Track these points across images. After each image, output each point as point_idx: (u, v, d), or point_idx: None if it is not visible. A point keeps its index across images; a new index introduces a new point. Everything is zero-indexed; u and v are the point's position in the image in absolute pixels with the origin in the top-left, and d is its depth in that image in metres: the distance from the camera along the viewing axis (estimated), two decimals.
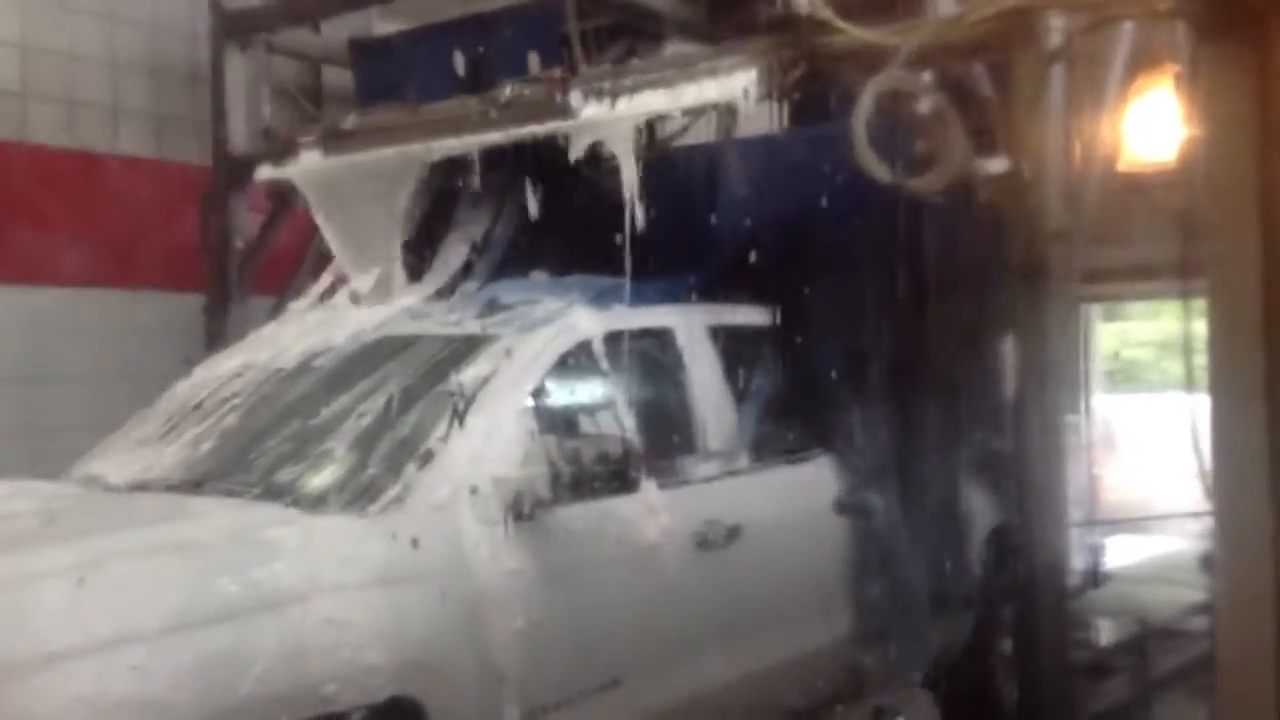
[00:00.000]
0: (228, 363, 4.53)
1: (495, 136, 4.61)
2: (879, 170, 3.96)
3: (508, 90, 4.61)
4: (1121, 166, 3.92)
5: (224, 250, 5.67)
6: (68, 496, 3.82)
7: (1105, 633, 5.46)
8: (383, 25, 6.37)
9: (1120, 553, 6.37)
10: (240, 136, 5.74)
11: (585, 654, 3.62)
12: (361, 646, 3.08)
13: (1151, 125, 3.76)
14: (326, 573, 3.12)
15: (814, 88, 4.55)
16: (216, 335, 5.56)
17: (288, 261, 5.79)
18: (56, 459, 4.21)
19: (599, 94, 4.44)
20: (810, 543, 4.37)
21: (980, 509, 4.73)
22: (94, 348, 6.01)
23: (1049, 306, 4.09)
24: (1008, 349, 4.52)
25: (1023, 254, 4.05)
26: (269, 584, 3.03)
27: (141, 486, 3.82)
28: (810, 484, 4.44)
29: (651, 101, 4.39)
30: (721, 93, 4.33)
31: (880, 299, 4.51)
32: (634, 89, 4.41)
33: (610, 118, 4.39)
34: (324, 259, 5.31)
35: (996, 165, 4.17)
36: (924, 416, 4.54)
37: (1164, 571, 6.69)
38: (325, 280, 5.10)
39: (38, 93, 6.02)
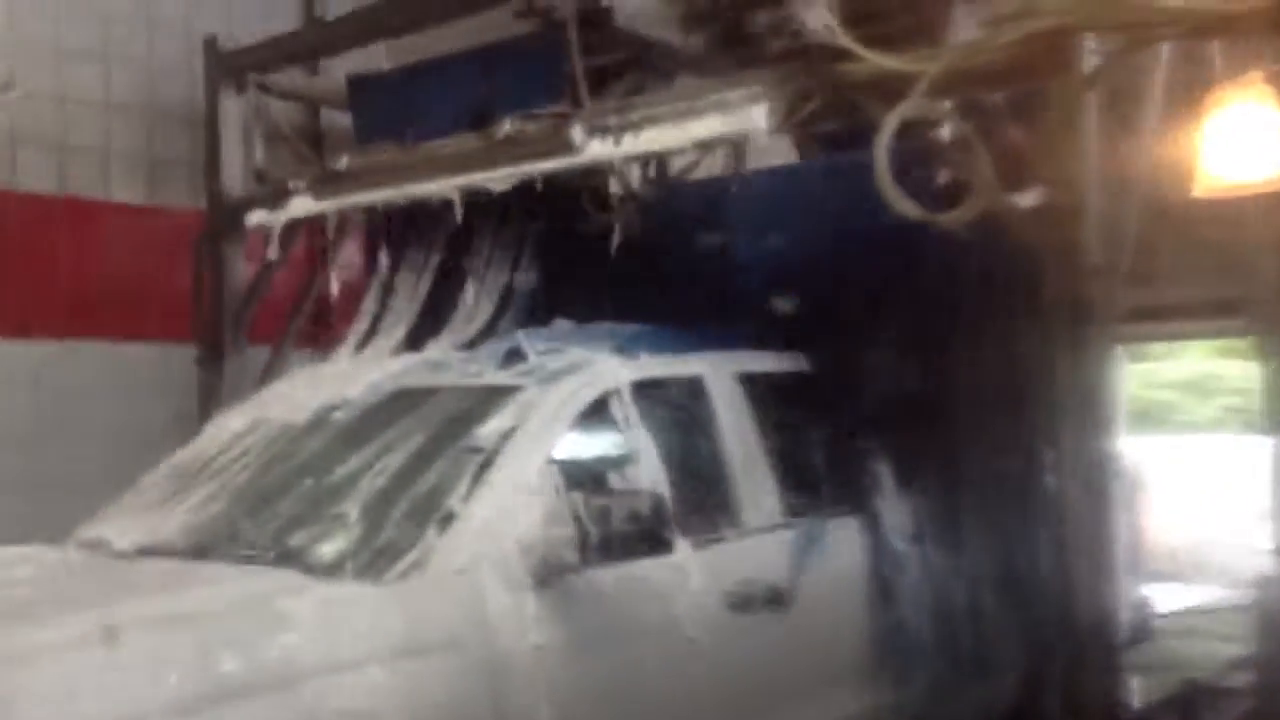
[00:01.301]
0: (238, 419, 4.34)
1: (496, 175, 4.41)
2: (904, 205, 3.78)
3: (507, 126, 4.41)
4: (1198, 191, 3.71)
5: (217, 299, 5.45)
6: (70, 563, 3.64)
7: (1148, 689, 5.24)
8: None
9: (1161, 603, 6.17)
10: (235, 181, 5.54)
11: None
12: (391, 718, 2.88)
13: (1235, 143, 3.54)
14: (341, 646, 2.93)
15: (832, 119, 4.39)
16: (211, 387, 5.34)
17: (284, 311, 5.57)
18: (54, 518, 3.97)
19: (604, 130, 4.25)
20: (852, 602, 4.15)
21: (1026, 559, 4.51)
22: (88, 402, 5.79)
23: (1089, 347, 3.90)
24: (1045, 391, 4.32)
25: (1061, 291, 3.88)
26: (279, 659, 2.83)
27: (148, 551, 3.62)
28: (850, 539, 4.21)
29: (660, 137, 4.21)
30: (733, 126, 4.16)
31: (913, 340, 4.32)
32: (642, 124, 4.22)
33: (616, 154, 4.20)
34: (323, 306, 5.11)
35: (1029, 198, 3.99)
36: (964, 465, 4.33)
37: (1204, 623, 6.48)
38: (359, 329, 4.91)
39: (28, 137, 5.82)
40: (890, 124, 3.78)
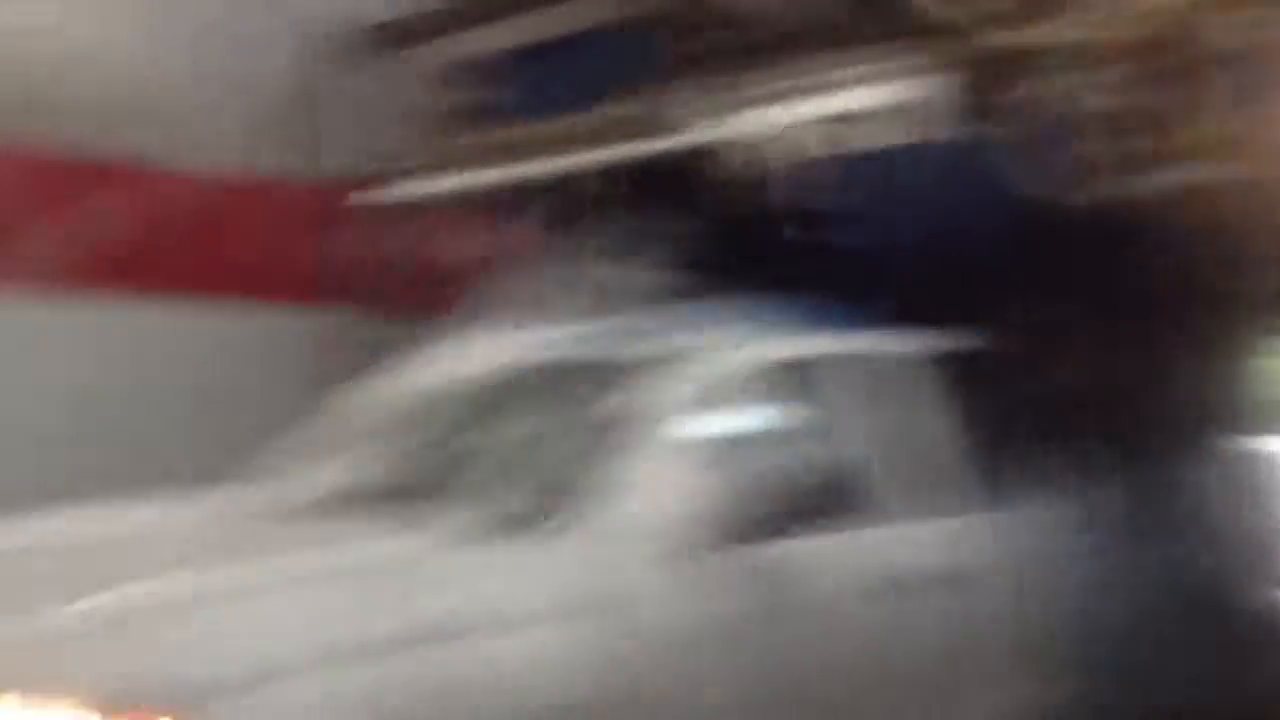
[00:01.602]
0: (395, 383, 4.45)
1: (612, 154, 4.45)
2: (1047, 183, 3.73)
3: (630, 103, 4.45)
4: None
5: (358, 269, 5.61)
6: (231, 516, 3.76)
7: None
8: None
9: None
10: (369, 155, 5.68)
11: (763, 707, 3.39)
12: (526, 688, 2.94)
13: None
14: (490, 606, 3.00)
15: (972, 93, 4.33)
16: (369, 355, 5.49)
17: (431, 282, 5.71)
18: (188, 477, 3.98)
19: (748, 101, 4.25)
20: (1021, 595, 4.01)
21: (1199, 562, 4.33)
22: (220, 366, 6.01)
23: (1256, 333, 3.79)
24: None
25: (1220, 276, 3.78)
26: (427, 615, 2.90)
27: (308, 507, 3.73)
28: (1017, 530, 4.09)
29: (805, 109, 4.21)
30: (875, 101, 4.14)
31: (1077, 324, 4.24)
32: (776, 98, 4.21)
33: (757, 129, 4.20)
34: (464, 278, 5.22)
35: (1172, 176, 3.91)
36: (1138, 460, 4.20)
37: None
38: (503, 301, 5.03)
39: (157, 111, 6.04)
40: (1040, 98, 3.73)
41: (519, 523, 3.31)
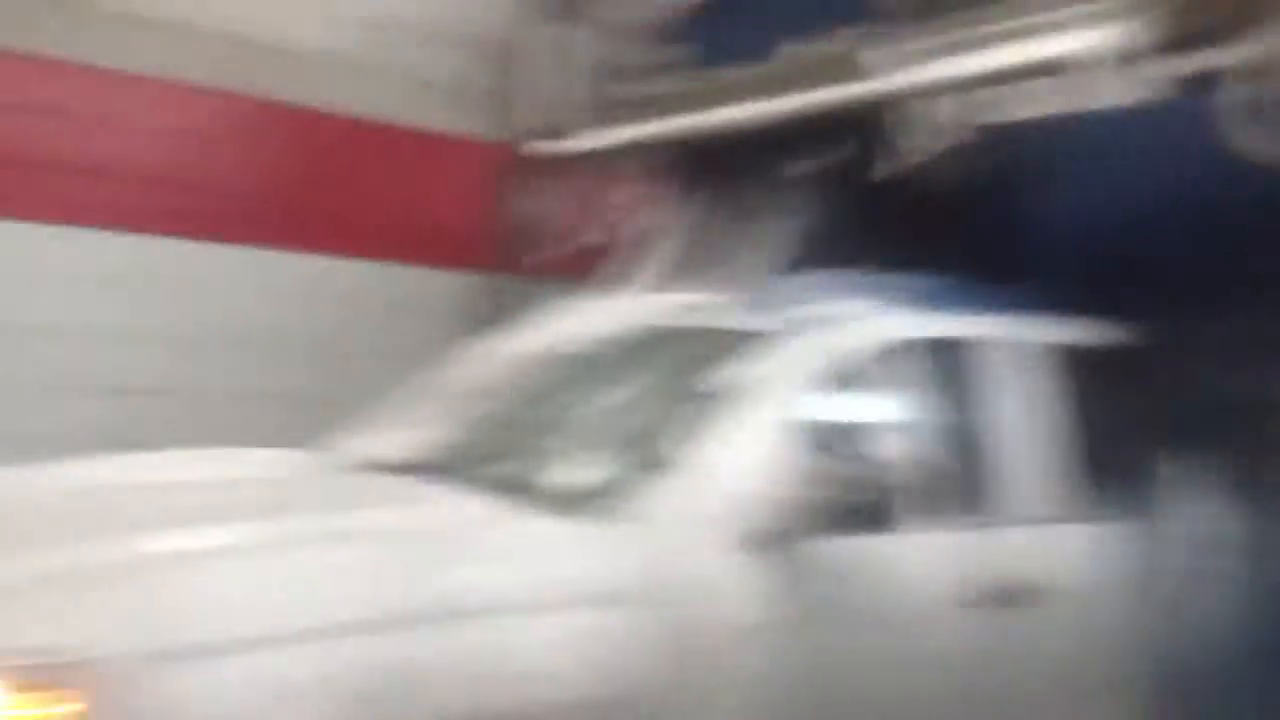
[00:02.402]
0: (503, 346, 4.27)
1: (781, 105, 4.05)
2: (1262, 147, 3.13)
3: (794, 50, 4.05)
4: None
5: (514, 229, 5.41)
6: (312, 469, 3.65)
7: None
8: None
9: None
10: (539, 112, 5.46)
11: (825, 715, 3.05)
12: (558, 676, 2.65)
13: None
14: (530, 584, 2.73)
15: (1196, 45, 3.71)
16: (500, 318, 5.31)
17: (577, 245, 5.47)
18: (327, 429, 4.01)
19: (912, 55, 3.79)
20: (1125, 617, 3.56)
21: None
22: (381, 321, 5.96)
23: None
24: None
25: None
26: (464, 589, 2.65)
27: (392, 466, 3.57)
28: (1134, 546, 3.61)
29: (979, 63, 3.70)
30: (1074, 49, 3.59)
31: (1257, 323, 3.63)
32: (958, 47, 3.72)
33: (924, 82, 3.73)
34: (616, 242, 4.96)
35: None
36: None
37: None
38: (634, 267, 4.75)
39: (339, 61, 6.01)
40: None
41: (587, 497, 3.05)
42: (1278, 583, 3.64)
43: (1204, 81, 3.58)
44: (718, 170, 4.55)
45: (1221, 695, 3.56)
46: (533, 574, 2.75)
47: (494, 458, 3.42)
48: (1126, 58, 3.61)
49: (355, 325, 6.01)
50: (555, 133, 5.23)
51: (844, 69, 4.00)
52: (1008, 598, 3.31)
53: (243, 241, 5.88)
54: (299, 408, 5.47)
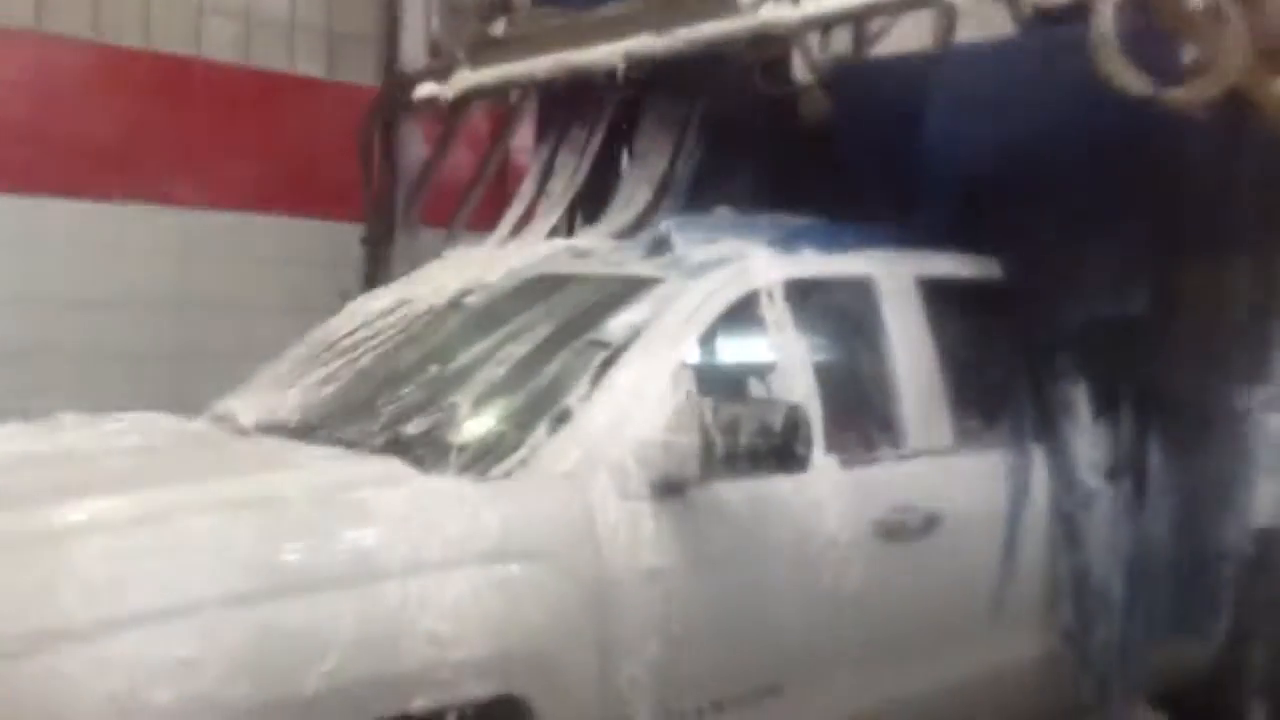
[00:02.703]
0: (379, 300, 4.17)
1: (657, 42, 4.00)
2: (1131, 80, 3.19)
3: None
4: None
5: (389, 177, 5.27)
6: (179, 435, 3.52)
7: None
8: None
9: None
10: (412, 54, 5.32)
11: (739, 654, 3.08)
12: (461, 634, 2.60)
13: None
14: (425, 545, 2.65)
15: None
16: (378, 269, 5.20)
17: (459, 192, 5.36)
18: (214, 389, 3.93)
19: None
20: (1027, 540, 3.67)
21: (1243, 506, 3.92)
22: (255, 275, 5.80)
23: None
24: None
25: None
26: (354, 552, 2.58)
27: (266, 428, 3.48)
28: (1030, 471, 3.72)
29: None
30: None
31: (1132, 249, 3.73)
32: None
33: (794, 18, 3.71)
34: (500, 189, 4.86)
35: None
36: (1174, 397, 3.76)
37: None
38: (515, 212, 4.65)
39: (213, 7, 5.79)
40: None
41: (482, 452, 2.99)
42: (1157, 499, 3.79)
43: (1076, 12, 3.64)
44: (601, 110, 4.46)
45: (1113, 610, 3.72)
46: (429, 533, 2.67)
47: (382, 416, 3.31)
48: None
49: (237, 280, 5.84)
50: (433, 74, 5.10)
51: (720, 4, 3.96)
52: (911, 528, 3.37)
53: (120, 198, 5.65)
54: (181, 368, 5.34)
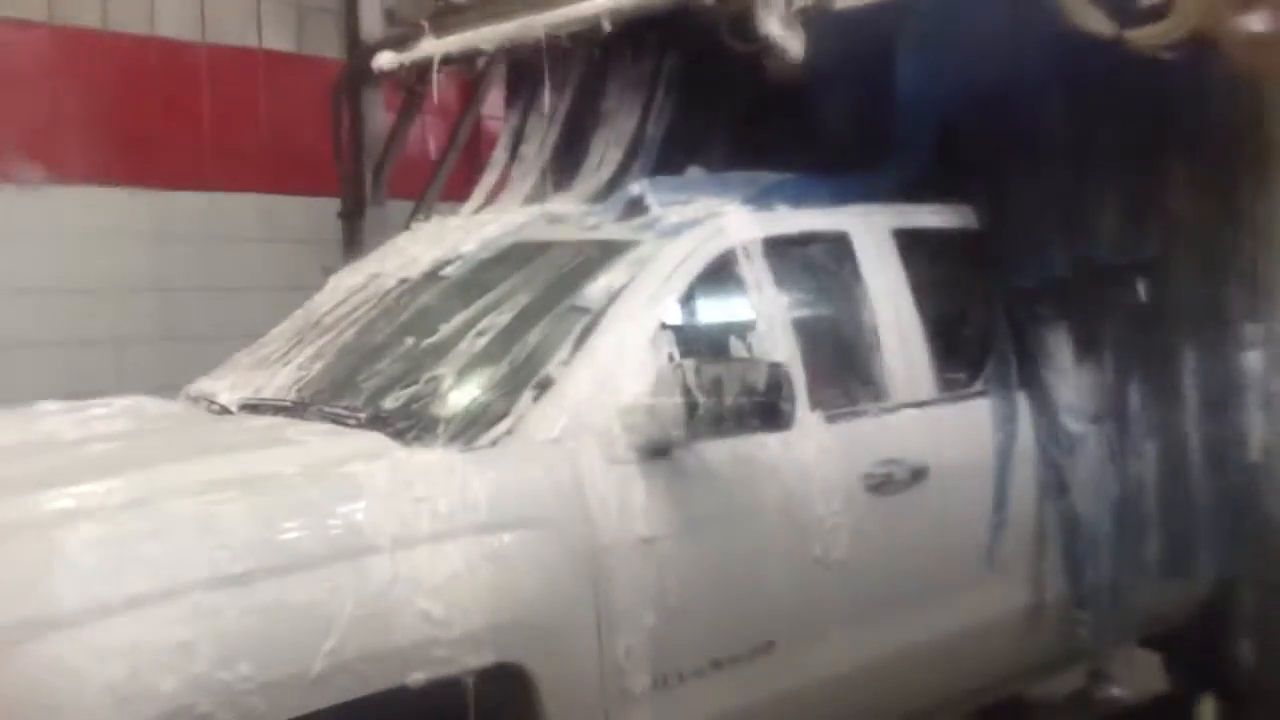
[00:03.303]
0: (358, 273, 4.14)
1: (616, 2, 3.97)
2: (1095, 20, 3.19)
3: None
4: None
5: (357, 150, 5.23)
6: (164, 417, 3.51)
7: None
8: None
9: None
10: (375, 24, 5.25)
11: (733, 614, 3.09)
12: (456, 605, 2.61)
13: None
14: (415, 518, 2.65)
15: None
16: (354, 242, 5.16)
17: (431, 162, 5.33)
18: (195, 370, 3.93)
19: None
20: (1015, 488, 3.68)
21: (1229, 449, 3.95)
22: (236, 255, 5.75)
23: None
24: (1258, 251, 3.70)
25: None
26: (348, 528, 2.57)
27: (250, 408, 3.47)
28: (1015, 418, 3.73)
29: None
30: None
31: (1101, 191, 3.74)
32: None
33: None
34: (467, 159, 4.82)
35: (1256, 22, 3.35)
36: (1156, 338, 3.78)
37: None
38: (488, 181, 4.62)
39: None
40: None
41: (467, 423, 2.98)
42: (1142, 442, 3.81)
43: None
44: (569, 73, 4.42)
45: (1102, 554, 3.76)
46: (419, 506, 2.66)
47: (366, 390, 3.30)
48: None
49: (218, 261, 5.79)
50: (392, 44, 5.05)
51: None
52: (898, 481, 3.39)
53: (90, 181, 5.58)
54: (164, 351, 5.30)
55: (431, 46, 4.57)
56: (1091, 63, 3.53)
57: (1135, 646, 4.20)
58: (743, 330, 3.33)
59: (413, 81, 4.89)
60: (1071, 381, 3.79)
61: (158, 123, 5.67)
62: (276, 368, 3.67)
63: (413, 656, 2.55)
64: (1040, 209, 3.85)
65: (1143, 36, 3.31)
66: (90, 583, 2.29)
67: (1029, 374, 3.78)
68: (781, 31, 4.07)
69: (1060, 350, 3.80)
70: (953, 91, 3.89)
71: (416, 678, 2.55)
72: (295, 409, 3.36)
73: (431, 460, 2.83)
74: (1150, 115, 3.69)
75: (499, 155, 4.56)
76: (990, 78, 3.77)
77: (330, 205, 5.48)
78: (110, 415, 3.40)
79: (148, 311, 5.58)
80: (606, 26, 4.09)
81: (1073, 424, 3.76)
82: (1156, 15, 3.35)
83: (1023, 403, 3.76)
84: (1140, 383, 3.85)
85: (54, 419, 3.33)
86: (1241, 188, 3.56)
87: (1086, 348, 3.82)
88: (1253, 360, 3.86)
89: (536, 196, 4.35)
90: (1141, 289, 3.84)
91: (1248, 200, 3.49)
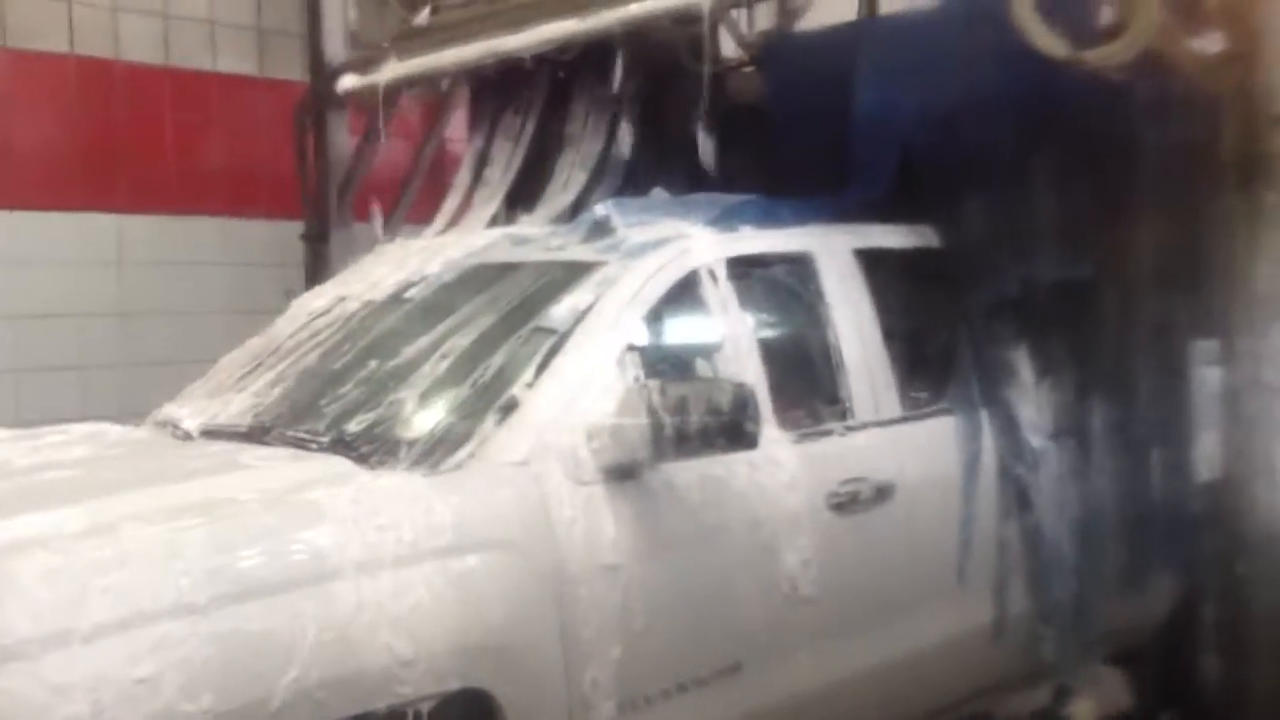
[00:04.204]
0: (322, 296, 4.13)
1: (579, 25, 3.99)
2: (1049, 42, 3.23)
3: None
4: None
5: (321, 172, 5.22)
6: (124, 444, 3.47)
7: None
8: None
9: None
10: (338, 47, 5.25)
11: (700, 636, 3.09)
12: (422, 630, 2.60)
13: None
14: (379, 542, 2.63)
15: None
16: (318, 265, 5.15)
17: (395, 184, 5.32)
18: (157, 394, 3.91)
19: None
20: (979, 505, 3.71)
21: (1188, 464, 3.99)
22: (197, 279, 5.72)
23: (1270, 210, 3.32)
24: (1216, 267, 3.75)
25: (1238, 145, 3.29)
26: (308, 554, 2.55)
27: (211, 433, 3.44)
28: (979, 435, 3.76)
29: None
30: None
31: (1059, 210, 3.78)
32: None
33: None
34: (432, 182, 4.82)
35: (1208, 43, 3.40)
36: (1114, 355, 3.82)
37: None
38: (452, 203, 4.62)
39: (131, 6, 5.68)
40: None
41: (433, 446, 2.97)
42: (1102, 459, 3.85)
43: None
44: (532, 95, 4.43)
45: (1065, 570, 3.78)
46: (383, 531, 2.64)
47: (329, 414, 3.28)
48: None
49: (179, 285, 5.75)
50: (355, 67, 5.06)
51: None
52: (864, 500, 3.40)
53: (51, 206, 5.53)
54: (125, 377, 5.24)
55: (395, 69, 4.57)
56: (1047, 84, 3.57)
57: (1099, 663, 4.22)
58: (708, 351, 3.35)
59: (377, 104, 4.88)
60: (1032, 398, 3.82)
61: (118, 146, 5.64)
62: (239, 392, 3.65)
63: (377, 683, 2.53)
64: (998, 228, 3.89)
65: (1097, 57, 3.35)
66: (47, 614, 2.26)
67: (990, 391, 3.80)
68: (739, 54, 4.12)
69: (1020, 367, 3.83)
70: (912, 112, 3.94)
71: (380, 705, 2.53)
72: (257, 433, 3.33)
73: (395, 484, 2.82)
74: (1105, 135, 3.74)
75: (463, 177, 4.56)
76: (948, 99, 3.82)
77: (292, 228, 5.46)
78: (70, 442, 3.38)
79: (108, 336, 5.53)
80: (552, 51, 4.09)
81: (1034, 440, 3.79)
82: (1110, 36, 3.39)
83: (985, 420, 3.78)
84: (1099, 400, 3.88)
85: (11, 445, 3.30)
86: (1196, 206, 3.60)
87: (1046, 365, 3.84)
88: (1210, 377, 3.91)
89: (500, 218, 4.35)
90: (1099, 306, 3.85)
91: (1202, 218, 3.54)
